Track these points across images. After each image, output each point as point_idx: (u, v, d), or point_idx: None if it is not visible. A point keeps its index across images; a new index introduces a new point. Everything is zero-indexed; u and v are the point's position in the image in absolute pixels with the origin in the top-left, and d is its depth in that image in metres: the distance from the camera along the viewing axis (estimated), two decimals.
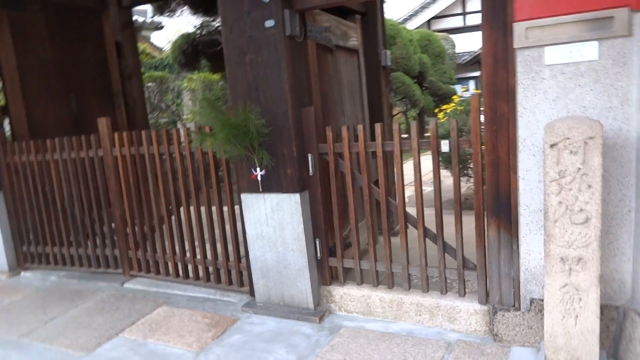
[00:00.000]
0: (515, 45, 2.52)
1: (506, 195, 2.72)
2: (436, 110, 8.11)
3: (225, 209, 3.74)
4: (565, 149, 2.19)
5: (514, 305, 2.82)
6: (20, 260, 4.99)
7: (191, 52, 10.15)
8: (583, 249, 2.24)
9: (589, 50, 2.37)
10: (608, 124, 2.39)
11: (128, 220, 4.29)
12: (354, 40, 4.35)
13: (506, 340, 2.82)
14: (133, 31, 6.73)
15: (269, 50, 3.12)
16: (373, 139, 3.14)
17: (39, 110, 5.32)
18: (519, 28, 2.50)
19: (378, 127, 3.09)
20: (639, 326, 2.37)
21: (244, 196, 3.45)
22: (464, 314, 2.98)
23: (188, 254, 4.02)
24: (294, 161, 3.22)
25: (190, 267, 4.06)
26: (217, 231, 3.81)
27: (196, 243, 3.97)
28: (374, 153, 3.17)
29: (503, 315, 2.82)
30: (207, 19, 10.62)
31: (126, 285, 4.34)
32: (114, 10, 6.18)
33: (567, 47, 2.42)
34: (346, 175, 3.27)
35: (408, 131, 11.89)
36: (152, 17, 12.42)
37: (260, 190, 3.36)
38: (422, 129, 14.12)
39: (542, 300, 2.58)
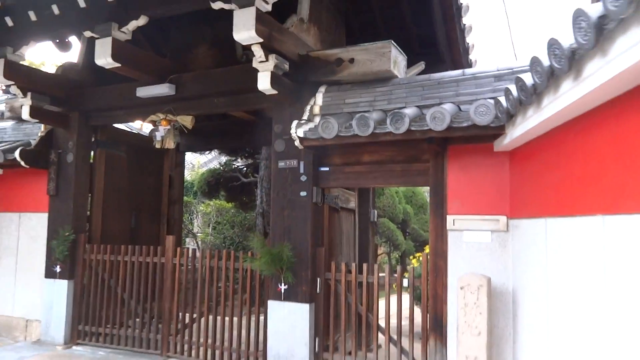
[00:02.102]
0: (447, 228, 4.38)
1: (440, 317, 4.37)
2: (411, 257, 9.90)
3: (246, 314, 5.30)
4: (468, 290, 3.91)
5: None
6: (74, 336, 6.32)
7: (214, 184, 12.18)
8: (478, 351, 3.85)
9: (486, 236, 4.22)
10: (496, 279, 4.15)
11: (174, 313, 5.78)
12: (352, 203, 6.29)
13: None
14: (183, 169, 8.75)
15: (300, 209, 4.98)
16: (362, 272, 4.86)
17: (109, 222, 7.04)
18: (449, 218, 4.38)
19: (365, 265, 4.83)
20: None
21: (270, 302, 5.05)
22: None
23: (218, 342, 5.47)
24: (307, 282, 4.89)
25: (217, 352, 5.47)
26: (243, 329, 5.31)
27: (226, 335, 5.44)
28: (369, 284, 4.85)
29: None
30: (231, 158, 12.88)
31: None
32: (172, 152, 8.22)
33: (475, 233, 4.27)
34: (341, 295, 4.92)
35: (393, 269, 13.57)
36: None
37: (282, 299, 4.97)
38: (403, 269, 15.85)
39: None
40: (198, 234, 13.60)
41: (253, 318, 5.31)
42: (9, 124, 7.39)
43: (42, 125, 6.70)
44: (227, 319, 5.47)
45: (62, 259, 6.28)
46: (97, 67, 5.24)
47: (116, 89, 6.20)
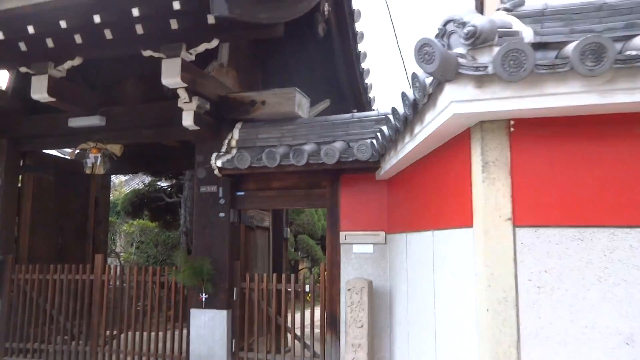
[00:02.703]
0: (340, 242, 5.38)
1: (335, 315, 5.33)
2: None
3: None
4: (354, 292, 4.90)
5: None
6: (1, 354, 6.62)
7: (138, 204, 12.55)
8: (361, 339, 4.84)
9: (370, 248, 5.27)
10: (377, 282, 5.18)
11: (102, 326, 6.31)
12: (267, 222, 7.17)
13: None
14: (109, 190, 9.21)
15: (220, 228, 5.78)
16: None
17: (37, 243, 7.40)
18: (342, 234, 5.38)
19: (274, 275, 5.71)
20: None
21: (192, 310, 5.77)
22: None
23: (144, 349, 6.08)
24: (225, 291, 5.68)
25: (144, 358, 6.08)
26: (168, 337, 5.98)
27: (152, 345, 6.07)
28: (278, 291, 5.71)
29: None
30: (155, 179, 13.30)
31: None
32: (99, 175, 8.68)
33: (361, 245, 5.30)
34: (254, 302, 5.75)
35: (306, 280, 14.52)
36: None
37: (203, 307, 5.71)
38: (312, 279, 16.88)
39: None
40: (121, 254, 13.82)
41: (177, 329, 6.00)
42: None
43: None
44: (152, 333, 6.11)
45: None
46: (27, 96, 5.72)
47: (47, 118, 6.69)
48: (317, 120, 5.73)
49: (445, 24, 2.86)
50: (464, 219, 2.96)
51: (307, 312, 6.04)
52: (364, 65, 7.82)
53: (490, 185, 2.74)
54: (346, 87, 7.80)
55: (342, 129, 5.46)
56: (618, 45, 2.49)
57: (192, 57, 5.21)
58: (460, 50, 2.63)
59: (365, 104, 8.07)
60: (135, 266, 6.36)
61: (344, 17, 7.13)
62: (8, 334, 6.68)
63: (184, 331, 5.94)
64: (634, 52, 2.38)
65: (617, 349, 2.47)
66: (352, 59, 7.47)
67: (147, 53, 5.20)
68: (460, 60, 2.54)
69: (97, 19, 4.60)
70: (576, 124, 2.61)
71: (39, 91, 5.53)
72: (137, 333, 6.16)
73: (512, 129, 2.73)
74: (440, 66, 2.52)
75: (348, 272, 5.32)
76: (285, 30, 5.06)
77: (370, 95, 8.33)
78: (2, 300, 6.73)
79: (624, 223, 2.52)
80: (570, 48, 2.39)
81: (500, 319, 2.63)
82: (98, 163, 6.34)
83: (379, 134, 4.25)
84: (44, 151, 8.09)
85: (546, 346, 2.55)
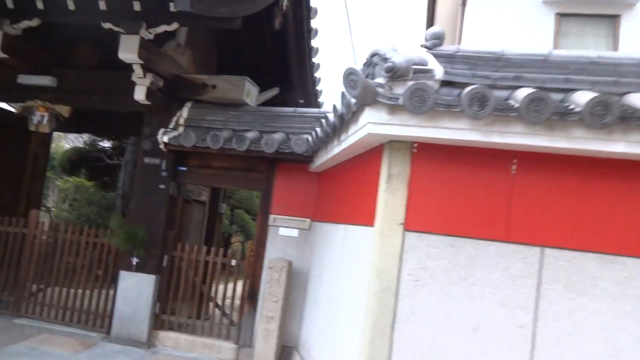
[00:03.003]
0: (269, 224, 5.89)
1: (255, 288, 5.86)
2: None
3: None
4: (274, 270, 5.44)
5: (250, 345, 5.80)
6: None
7: (77, 162, 12.47)
8: (275, 313, 5.40)
9: (295, 232, 5.81)
10: (297, 263, 5.75)
11: (30, 278, 6.51)
12: (204, 197, 7.56)
13: None
14: (49, 147, 9.21)
15: (158, 199, 6.13)
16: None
17: None
18: (271, 217, 5.90)
19: (204, 248, 6.15)
20: (296, 357, 5.49)
21: (122, 272, 6.11)
22: (226, 349, 5.85)
23: (69, 304, 6.36)
24: (156, 257, 6.05)
25: (68, 313, 6.36)
26: (95, 296, 6.29)
27: (78, 301, 6.36)
28: (207, 263, 6.15)
29: (242, 350, 5.76)
30: (96, 138, 13.20)
31: (15, 321, 6.40)
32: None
33: (288, 229, 5.84)
34: (182, 270, 6.17)
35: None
36: None
37: (134, 270, 6.06)
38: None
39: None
40: (52, 209, 13.66)
41: (105, 289, 6.32)
42: None
43: None
44: (80, 290, 6.38)
45: None
46: None
47: None
48: (262, 110, 6.17)
49: (372, 56, 3.40)
50: (369, 219, 3.55)
51: (233, 286, 6.53)
52: (315, 59, 8.28)
53: (391, 195, 3.33)
54: (296, 78, 8.25)
55: (284, 121, 5.93)
56: (503, 94, 3.13)
57: (151, 37, 5.48)
58: (381, 80, 3.17)
59: (312, 95, 8.57)
60: (70, 225, 6.58)
61: (301, 13, 7.54)
62: None
63: (111, 292, 6.27)
64: (512, 102, 3.01)
65: (468, 334, 3.15)
66: (305, 52, 7.92)
67: (107, 26, 5.42)
68: (379, 89, 3.09)
69: None
70: (461, 153, 3.24)
71: None
72: (65, 289, 6.41)
73: (414, 150, 3.33)
74: (362, 92, 3.06)
75: (272, 252, 5.84)
76: (243, 20, 5.42)
77: (319, 88, 8.82)
78: None
79: (486, 237, 3.19)
80: (464, 92, 2.99)
81: (383, 303, 3.24)
82: (44, 122, 6.47)
83: (314, 133, 4.77)
84: None
85: (414, 328, 3.20)
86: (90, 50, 6.81)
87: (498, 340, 3.12)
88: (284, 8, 6.98)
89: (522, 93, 2.98)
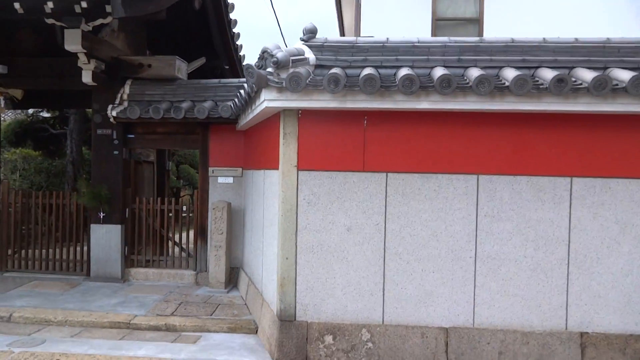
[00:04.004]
0: (209, 175, 7.38)
1: (204, 226, 7.42)
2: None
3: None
4: (217, 210, 7.00)
5: (205, 270, 7.43)
6: None
7: (22, 134, 13.19)
8: (221, 242, 7.01)
9: (230, 180, 7.34)
10: (235, 203, 7.32)
11: (12, 238, 7.75)
12: (152, 157, 8.87)
13: (202, 283, 7.38)
14: None
15: (114, 163, 7.42)
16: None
17: None
18: (210, 169, 7.38)
19: (158, 198, 7.58)
20: (241, 274, 7.18)
21: (93, 225, 7.47)
22: (187, 275, 7.46)
23: (51, 256, 7.69)
24: (119, 211, 7.44)
25: (50, 263, 7.70)
26: (72, 248, 7.64)
27: (57, 253, 7.69)
28: (162, 211, 7.59)
29: (200, 274, 7.39)
30: (39, 110, 13.86)
31: (4, 274, 7.68)
32: None
33: (225, 178, 7.35)
34: (142, 219, 7.59)
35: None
36: None
37: (102, 222, 7.44)
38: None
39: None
40: (4, 180, 14.37)
41: (79, 244, 7.68)
42: None
43: None
44: (58, 244, 7.70)
45: None
46: None
47: None
48: (192, 83, 7.47)
49: (263, 52, 4.84)
50: (276, 164, 5.12)
51: (187, 233, 8.05)
52: (235, 30, 9.49)
53: (287, 147, 4.89)
54: (220, 47, 9.46)
55: (211, 91, 7.28)
56: (355, 72, 4.69)
57: (90, 28, 6.59)
58: (270, 69, 4.64)
59: (236, 61, 9.83)
60: (40, 192, 7.78)
61: None
62: None
63: (85, 246, 7.63)
64: (358, 80, 4.56)
65: (344, 233, 4.86)
66: (225, 25, 9.11)
67: (50, 21, 6.45)
68: (269, 77, 4.57)
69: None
70: (331, 115, 4.82)
71: None
72: (45, 245, 7.72)
73: (299, 115, 4.87)
74: (257, 80, 4.53)
75: (214, 196, 7.37)
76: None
77: (241, 53, 10.08)
78: None
79: (351, 169, 4.84)
80: (325, 76, 4.51)
81: (289, 219, 4.88)
82: (2, 105, 7.48)
83: (236, 100, 6.20)
84: None
85: (309, 233, 4.87)
86: (37, 37, 7.73)
87: (363, 235, 4.86)
88: None
89: (365, 72, 4.55)
